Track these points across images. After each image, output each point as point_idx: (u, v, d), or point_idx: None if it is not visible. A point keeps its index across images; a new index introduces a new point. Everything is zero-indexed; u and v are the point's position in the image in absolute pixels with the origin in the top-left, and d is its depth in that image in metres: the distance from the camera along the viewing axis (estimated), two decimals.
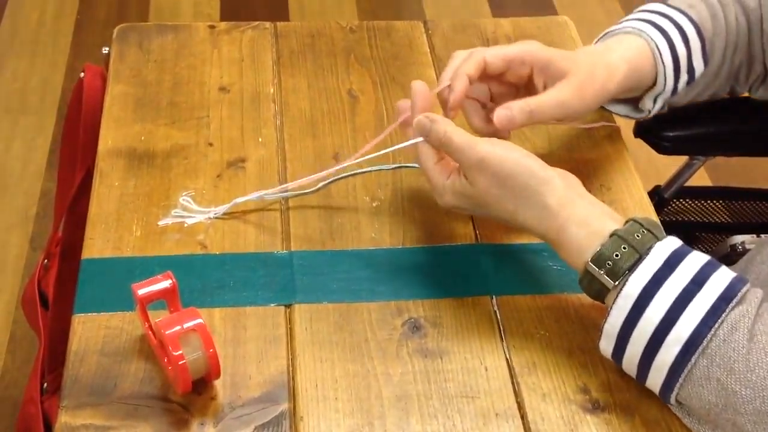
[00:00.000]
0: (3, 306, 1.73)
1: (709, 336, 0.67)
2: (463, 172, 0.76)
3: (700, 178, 1.85)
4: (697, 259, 0.70)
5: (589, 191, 0.76)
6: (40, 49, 2.28)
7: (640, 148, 1.06)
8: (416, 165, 0.82)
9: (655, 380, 0.71)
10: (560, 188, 0.74)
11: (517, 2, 2.47)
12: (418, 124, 0.79)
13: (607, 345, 0.72)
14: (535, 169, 0.74)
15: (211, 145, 0.93)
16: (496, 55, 0.82)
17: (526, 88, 0.85)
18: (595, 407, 0.73)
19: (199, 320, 0.71)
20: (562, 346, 0.77)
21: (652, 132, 1.06)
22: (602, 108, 0.94)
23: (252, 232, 0.85)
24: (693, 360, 0.67)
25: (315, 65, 1.03)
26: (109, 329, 0.76)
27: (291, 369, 0.75)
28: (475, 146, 0.75)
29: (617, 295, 0.70)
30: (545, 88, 0.83)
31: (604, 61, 0.86)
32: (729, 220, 1.29)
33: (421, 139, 0.79)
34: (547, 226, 0.74)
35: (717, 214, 1.29)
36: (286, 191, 0.88)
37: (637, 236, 0.70)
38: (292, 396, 0.73)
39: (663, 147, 1.07)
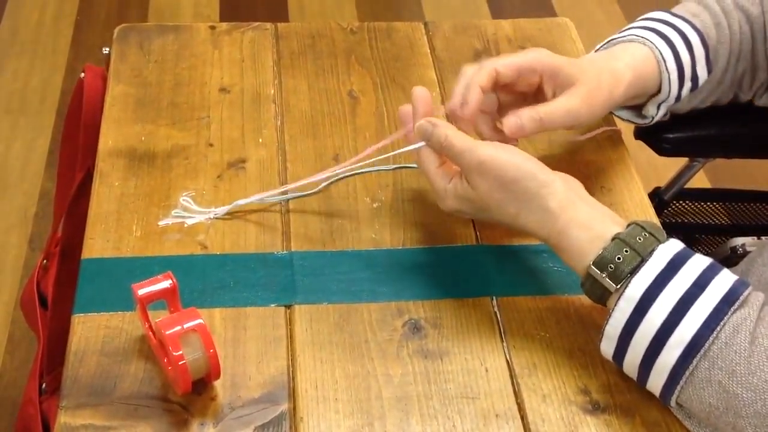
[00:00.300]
0: (2, 306, 1.73)
1: (711, 339, 0.67)
2: (464, 176, 0.76)
3: (699, 180, 1.86)
4: (699, 262, 0.70)
5: (590, 193, 0.76)
6: (39, 49, 2.28)
7: (640, 150, 1.06)
8: (416, 166, 0.82)
9: (655, 382, 0.70)
10: (561, 191, 0.74)
11: (516, 4, 2.47)
12: (419, 129, 0.79)
13: (608, 347, 0.72)
14: (536, 172, 0.74)
15: (211, 145, 0.93)
16: (507, 65, 0.82)
17: (534, 95, 0.85)
18: (596, 408, 0.73)
19: (200, 320, 0.71)
20: (562, 347, 0.77)
21: (652, 134, 1.06)
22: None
23: (252, 233, 0.85)
24: (694, 363, 0.67)
25: (315, 66, 1.03)
26: (109, 329, 0.76)
27: (291, 369, 0.75)
28: (476, 150, 0.75)
29: (619, 297, 0.70)
30: (554, 95, 0.84)
31: (609, 69, 0.86)
32: (728, 222, 1.29)
33: (422, 143, 0.79)
34: (548, 229, 0.74)
35: (716, 216, 1.29)
36: (287, 193, 0.88)
37: (639, 239, 0.70)
38: (292, 396, 0.73)
39: (663, 149, 1.07)
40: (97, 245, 0.83)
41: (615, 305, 0.70)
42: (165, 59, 1.02)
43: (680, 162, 1.20)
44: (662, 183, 1.23)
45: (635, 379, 0.73)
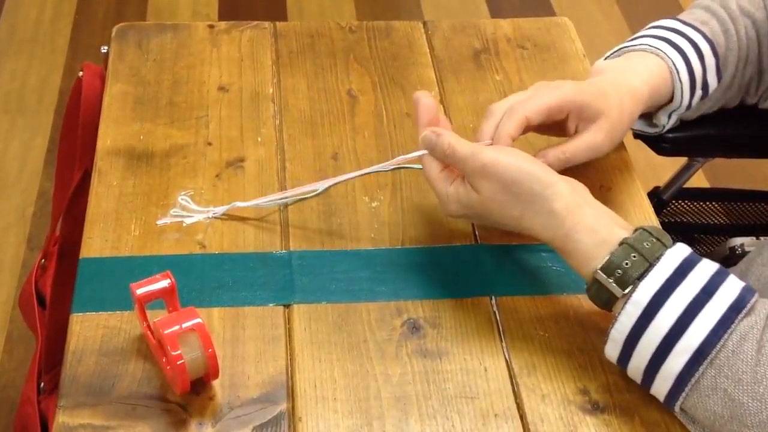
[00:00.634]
0: (0, 306, 1.72)
1: (718, 346, 0.67)
2: (468, 181, 0.76)
3: (698, 180, 1.86)
4: (707, 268, 0.69)
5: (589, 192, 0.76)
6: (38, 48, 2.27)
7: (639, 150, 1.06)
8: (415, 166, 0.82)
9: (660, 388, 0.70)
10: (566, 194, 0.74)
11: (514, 3, 2.47)
12: (424, 140, 0.80)
13: (613, 350, 0.72)
14: (539, 174, 0.74)
15: (210, 144, 0.93)
16: (537, 111, 0.82)
17: (556, 126, 0.86)
18: (595, 408, 0.73)
19: (198, 320, 0.71)
20: (561, 347, 0.77)
21: (651, 134, 1.06)
22: None
23: (251, 232, 0.85)
24: (701, 370, 0.67)
25: (314, 65, 1.03)
26: (107, 329, 0.76)
27: (290, 369, 0.75)
28: (478, 154, 0.75)
29: (626, 302, 0.69)
30: (577, 129, 0.84)
31: (629, 89, 0.86)
32: (727, 221, 1.29)
33: (425, 151, 0.80)
34: (553, 232, 0.74)
35: (715, 216, 1.29)
36: (285, 197, 0.87)
37: (647, 245, 0.70)
38: (291, 396, 0.73)
39: (662, 148, 1.06)
40: (95, 244, 0.83)
41: (622, 309, 0.70)
42: (163, 58, 1.02)
43: (679, 161, 1.20)
44: (661, 182, 1.23)
45: (639, 382, 0.72)
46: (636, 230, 0.72)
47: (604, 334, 0.76)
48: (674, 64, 0.89)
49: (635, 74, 0.88)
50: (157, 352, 0.73)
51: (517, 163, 0.74)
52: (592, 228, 0.73)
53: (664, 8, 0.95)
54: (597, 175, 0.93)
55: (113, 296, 0.78)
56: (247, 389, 0.73)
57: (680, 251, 0.70)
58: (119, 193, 0.87)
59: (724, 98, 0.97)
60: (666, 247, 0.70)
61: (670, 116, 0.92)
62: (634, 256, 0.70)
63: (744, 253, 1.12)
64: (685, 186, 1.22)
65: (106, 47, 1.04)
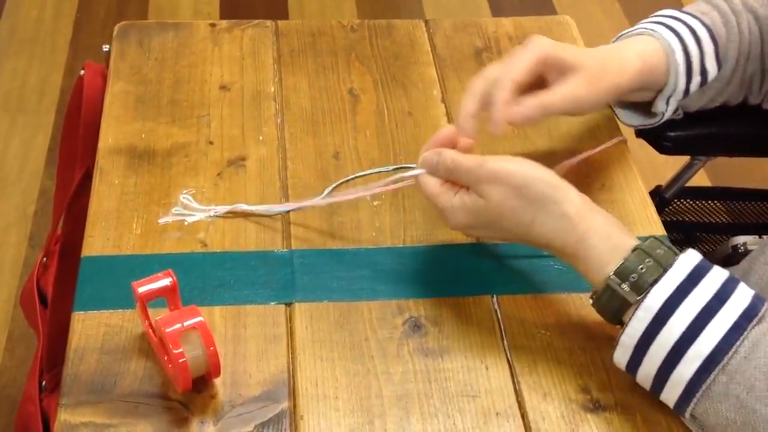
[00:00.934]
0: (1, 304, 1.73)
1: (730, 353, 0.66)
2: (473, 191, 0.75)
3: (700, 179, 1.85)
4: (719, 275, 0.69)
5: (591, 191, 0.76)
6: (39, 47, 2.27)
7: (641, 148, 1.06)
8: (415, 165, 0.82)
9: (671, 394, 0.70)
10: (577, 198, 0.73)
11: (515, 2, 2.47)
12: (425, 161, 0.78)
13: (622, 356, 0.71)
14: (548, 178, 0.73)
15: (211, 143, 0.93)
16: (522, 71, 0.81)
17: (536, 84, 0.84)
18: (596, 407, 0.73)
19: (200, 318, 0.71)
20: (562, 345, 0.77)
21: (653, 132, 1.06)
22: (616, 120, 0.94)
23: (252, 231, 0.85)
24: (712, 376, 0.67)
25: (316, 64, 1.03)
26: (109, 327, 0.76)
27: (291, 367, 0.75)
28: (485, 164, 0.74)
29: (638, 307, 0.69)
30: (556, 83, 0.83)
31: (616, 56, 0.86)
32: (729, 220, 1.29)
33: (422, 171, 0.78)
34: (566, 236, 0.72)
35: (717, 215, 1.29)
36: (287, 208, 0.87)
37: (660, 251, 0.70)
38: (292, 395, 0.73)
39: (664, 147, 1.06)
40: (97, 243, 0.83)
41: (633, 314, 0.69)
42: (165, 57, 1.02)
43: (681, 160, 1.20)
44: (663, 181, 1.23)
45: (648, 389, 0.72)
46: (647, 239, 0.71)
47: (605, 332, 0.76)
48: (669, 44, 0.88)
49: (625, 48, 0.88)
50: (159, 351, 0.73)
51: (524, 169, 0.74)
52: (605, 234, 0.72)
53: (665, 7, 0.95)
54: (598, 173, 0.93)
55: (115, 295, 0.78)
56: (248, 387, 0.73)
57: (692, 258, 0.70)
58: (121, 191, 0.87)
59: (725, 93, 0.96)
60: (677, 255, 0.70)
61: (668, 103, 0.91)
62: (649, 262, 0.69)
63: (746, 252, 1.12)
64: (687, 185, 1.22)
65: (107, 46, 1.04)
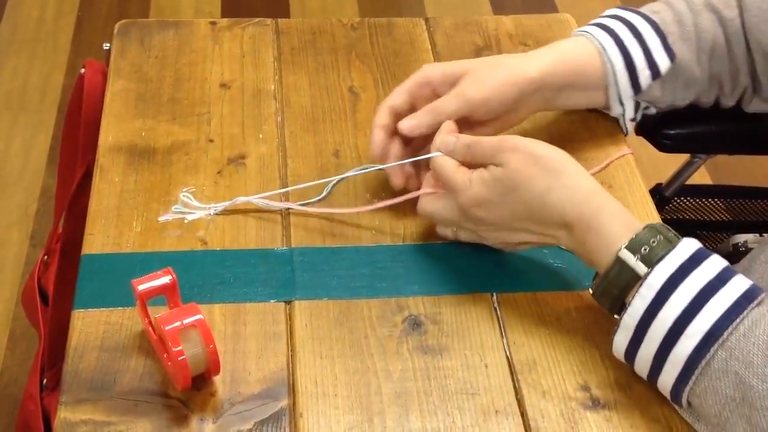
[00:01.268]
0: (3, 303, 1.73)
1: (730, 329, 0.67)
2: (493, 162, 0.77)
3: (701, 177, 1.85)
4: (719, 261, 0.71)
5: None
6: (40, 46, 2.28)
7: (641, 146, 1.06)
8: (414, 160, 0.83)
9: (669, 375, 0.70)
10: (590, 177, 0.76)
11: (516, 1, 2.47)
12: (443, 142, 0.80)
13: (623, 338, 0.72)
14: (565, 154, 0.76)
15: (211, 141, 0.93)
16: (397, 96, 0.85)
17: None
18: (596, 404, 0.73)
19: (199, 316, 0.71)
20: (562, 343, 0.77)
21: (653, 130, 1.06)
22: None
23: (252, 229, 0.85)
24: (711, 352, 0.68)
25: (316, 62, 1.03)
26: (108, 325, 0.76)
27: (291, 365, 0.75)
28: (505, 139, 0.77)
29: (641, 285, 0.70)
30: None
31: (517, 55, 0.87)
32: (729, 218, 1.29)
33: (438, 153, 0.80)
34: (580, 208, 0.74)
35: (718, 213, 1.29)
36: (288, 199, 0.87)
37: (669, 233, 0.72)
38: (292, 392, 0.73)
39: (664, 145, 1.06)
40: (97, 241, 0.83)
41: (636, 293, 0.70)
42: (165, 55, 1.02)
43: (681, 158, 1.20)
44: (663, 179, 1.23)
45: (646, 375, 0.72)
46: (655, 223, 0.73)
47: (604, 331, 0.76)
48: (600, 42, 0.89)
49: (535, 51, 0.89)
50: (159, 348, 0.73)
51: (543, 144, 0.76)
52: (617, 210, 0.74)
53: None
54: (599, 171, 0.92)
55: (115, 292, 0.78)
56: (248, 385, 0.73)
57: (694, 242, 0.72)
58: (121, 189, 0.87)
59: (694, 87, 0.94)
60: (680, 239, 0.72)
61: (622, 103, 0.91)
62: (660, 237, 0.71)
63: (747, 250, 1.12)
64: (687, 183, 1.22)
65: (108, 44, 1.04)
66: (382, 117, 0.85)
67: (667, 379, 0.71)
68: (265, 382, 0.73)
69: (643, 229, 0.72)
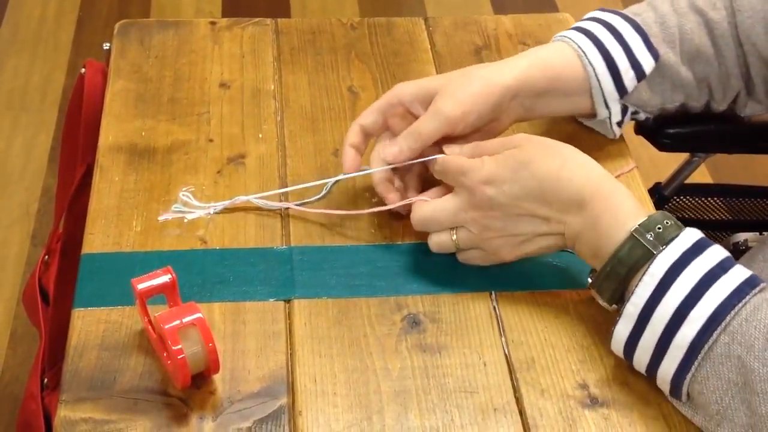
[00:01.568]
0: (4, 302, 1.73)
1: (732, 314, 0.68)
2: (505, 148, 0.79)
3: (701, 176, 1.85)
4: (721, 250, 0.72)
5: None
6: (41, 46, 2.28)
7: (640, 145, 1.06)
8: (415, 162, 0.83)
9: (671, 363, 0.70)
10: (601, 167, 0.78)
11: (517, 1, 2.47)
12: (448, 148, 0.81)
13: (624, 329, 0.72)
14: (575, 149, 0.78)
15: (211, 141, 0.93)
16: (368, 114, 0.85)
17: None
18: (594, 403, 0.73)
19: (199, 315, 0.71)
20: (561, 342, 0.78)
21: (652, 129, 1.06)
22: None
23: (252, 228, 0.85)
24: (714, 336, 0.68)
25: (316, 62, 1.03)
26: (108, 324, 0.77)
27: (290, 364, 0.75)
28: (513, 136, 0.80)
29: (643, 274, 0.71)
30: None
31: (489, 65, 0.86)
32: (729, 217, 1.29)
33: (442, 156, 0.80)
34: (596, 185, 0.75)
35: (717, 212, 1.29)
36: (287, 198, 0.87)
37: (675, 219, 0.73)
38: (291, 391, 0.73)
39: (663, 144, 1.06)
40: (97, 240, 0.83)
41: (639, 282, 0.71)
42: (165, 55, 1.02)
43: (681, 157, 1.20)
44: (662, 178, 1.23)
45: (646, 366, 0.72)
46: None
47: (603, 329, 0.77)
48: (580, 46, 0.88)
49: (511, 59, 0.88)
50: (158, 347, 0.73)
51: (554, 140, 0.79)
52: (629, 194, 0.76)
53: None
54: None
55: (115, 291, 0.78)
56: (247, 383, 0.73)
57: (697, 232, 0.73)
58: (121, 189, 0.87)
59: (680, 90, 0.93)
60: (684, 228, 0.73)
61: (608, 106, 0.90)
62: (671, 222, 0.72)
63: (747, 249, 1.12)
64: (686, 182, 1.22)
65: (108, 44, 1.04)
66: (353, 136, 0.85)
67: (668, 368, 0.71)
68: (264, 380, 0.73)
69: (655, 212, 0.73)
